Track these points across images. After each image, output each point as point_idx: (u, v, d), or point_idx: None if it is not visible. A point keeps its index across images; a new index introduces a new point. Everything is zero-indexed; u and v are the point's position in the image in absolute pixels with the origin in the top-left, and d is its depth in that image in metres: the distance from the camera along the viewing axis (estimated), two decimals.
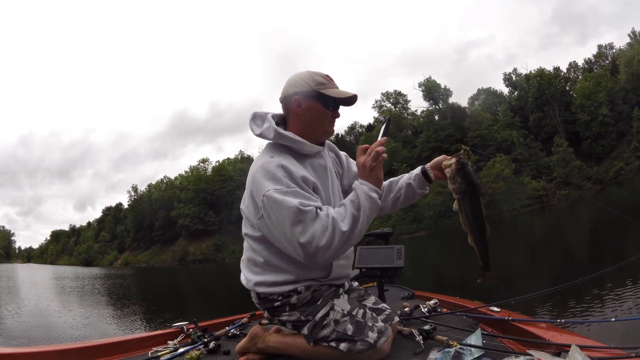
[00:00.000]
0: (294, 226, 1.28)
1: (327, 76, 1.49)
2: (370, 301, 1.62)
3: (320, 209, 1.33)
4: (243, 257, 1.56)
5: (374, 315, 1.49)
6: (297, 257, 1.34)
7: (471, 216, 1.37)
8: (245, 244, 1.55)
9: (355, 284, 1.77)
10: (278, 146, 1.47)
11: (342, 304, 1.45)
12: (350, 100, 1.49)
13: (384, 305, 1.63)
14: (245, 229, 1.53)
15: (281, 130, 1.45)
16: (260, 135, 1.48)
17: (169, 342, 1.88)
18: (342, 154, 1.76)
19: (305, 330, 1.43)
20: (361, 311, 1.45)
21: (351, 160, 1.76)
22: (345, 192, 1.69)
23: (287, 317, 1.46)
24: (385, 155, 1.38)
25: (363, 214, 1.32)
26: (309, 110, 1.47)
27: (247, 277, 1.52)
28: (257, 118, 1.54)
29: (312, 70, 1.50)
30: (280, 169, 1.36)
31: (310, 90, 1.45)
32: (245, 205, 1.50)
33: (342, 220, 1.30)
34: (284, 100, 1.50)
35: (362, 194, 1.34)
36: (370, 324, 1.41)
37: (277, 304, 1.45)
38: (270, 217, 1.34)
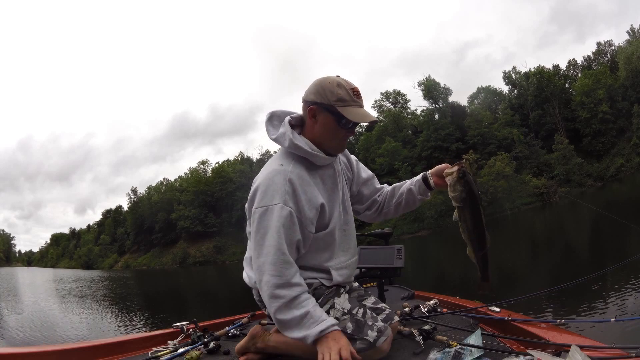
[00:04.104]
0: (259, 256, 1.35)
1: (354, 90, 1.42)
2: (370, 301, 1.62)
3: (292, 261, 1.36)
4: (246, 255, 1.56)
5: (374, 314, 1.49)
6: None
7: (471, 225, 1.37)
8: (249, 243, 1.54)
9: (356, 284, 1.77)
10: (290, 154, 1.45)
11: (342, 302, 1.45)
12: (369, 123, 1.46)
13: (384, 305, 1.63)
14: (249, 227, 1.52)
15: (297, 142, 1.42)
16: (275, 141, 1.47)
17: (169, 342, 1.87)
18: (353, 158, 1.73)
19: None
20: (361, 310, 1.46)
21: (361, 165, 1.75)
22: (352, 196, 1.69)
23: None
24: None
25: (287, 331, 1.35)
26: (323, 124, 1.43)
27: (249, 275, 1.52)
28: (275, 118, 1.51)
29: (341, 80, 1.43)
30: (286, 183, 1.36)
31: (328, 104, 1.40)
32: (248, 204, 1.49)
33: (278, 306, 1.32)
34: (304, 104, 1.47)
35: (305, 336, 1.31)
36: (370, 323, 1.41)
37: None
38: (253, 228, 1.39)
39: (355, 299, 1.55)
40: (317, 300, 1.43)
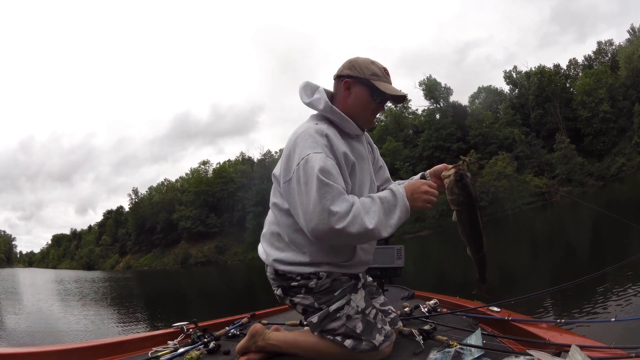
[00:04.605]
0: (322, 198, 1.26)
1: (385, 69, 1.50)
2: (379, 301, 1.63)
3: (346, 193, 1.32)
4: (265, 230, 1.53)
5: (384, 317, 1.49)
6: (305, 228, 1.31)
7: (468, 228, 1.36)
8: (270, 216, 1.53)
9: (370, 278, 1.76)
10: (323, 117, 1.47)
11: (358, 300, 1.44)
12: (399, 98, 1.50)
13: (390, 307, 1.64)
14: (274, 197, 1.49)
15: (332, 105, 1.46)
16: (309, 105, 1.50)
17: (169, 342, 1.87)
18: (374, 145, 1.76)
19: (314, 318, 1.41)
20: (373, 311, 1.45)
21: (379, 152, 1.78)
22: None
23: (300, 300, 1.44)
24: (432, 204, 1.42)
25: (390, 225, 1.36)
26: (357, 96, 1.47)
27: (267, 251, 1.50)
28: (308, 88, 1.55)
29: (372, 59, 1.51)
30: (323, 137, 1.36)
31: (363, 78, 1.45)
32: (278, 169, 1.47)
33: (368, 213, 1.31)
34: (337, 79, 1.51)
35: (403, 210, 1.37)
36: (379, 326, 1.42)
37: (294, 283, 1.44)
38: (300, 181, 1.30)
39: (368, 297, 1.54)
40: (333, 293, 1.42)
